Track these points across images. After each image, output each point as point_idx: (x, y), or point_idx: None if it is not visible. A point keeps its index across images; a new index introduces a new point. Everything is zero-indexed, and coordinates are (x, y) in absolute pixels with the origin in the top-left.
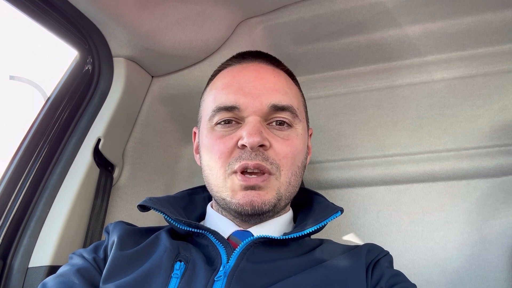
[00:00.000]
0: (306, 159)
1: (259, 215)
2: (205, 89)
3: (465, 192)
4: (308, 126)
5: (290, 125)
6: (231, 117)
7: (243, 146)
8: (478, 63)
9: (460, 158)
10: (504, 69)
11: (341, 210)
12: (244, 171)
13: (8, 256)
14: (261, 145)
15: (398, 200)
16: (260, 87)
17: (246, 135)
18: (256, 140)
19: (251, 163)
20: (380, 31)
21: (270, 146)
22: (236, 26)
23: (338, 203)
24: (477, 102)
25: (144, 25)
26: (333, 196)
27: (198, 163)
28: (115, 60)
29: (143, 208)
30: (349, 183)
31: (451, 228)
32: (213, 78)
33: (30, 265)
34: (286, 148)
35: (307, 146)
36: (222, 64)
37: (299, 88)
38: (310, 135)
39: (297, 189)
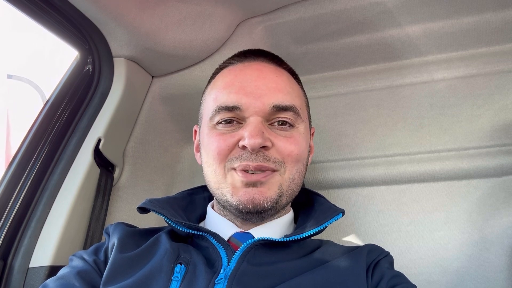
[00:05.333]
0: (309, 158)
1: (261, 213)
2: (206, 87)
3: (465, 192)
4: (310, 125)
5: (292, 125)
6: (233, 117)
7: (244, 147)
8: (479, 63)
9: (461, 158)
10: (505, 69)
11: (343, 212)
12: (244, 170)
13: (8, 256)
14: (263, 146)
15: (399, 200)
16: (262, 87)
17: (247, 136)
18: (257, 141)
19: (252, 164)
20: (380, 31)
21: (273, 145)
22: (236, 26)
23: (338, 203)
24: (477, 102)
25: (144, 25)
26: (333, 196)
27: (199, 162)
28: (115, 60)
29: (142, 210)
30: (350, 183)
31: (452, 228)
32: (215, 76)
33: (31, 265)
34: (289, 146)
35: (309, 145)
36: (224, 62)
37: (302, 87)
38: (312, 134)
39: (299, 188)
